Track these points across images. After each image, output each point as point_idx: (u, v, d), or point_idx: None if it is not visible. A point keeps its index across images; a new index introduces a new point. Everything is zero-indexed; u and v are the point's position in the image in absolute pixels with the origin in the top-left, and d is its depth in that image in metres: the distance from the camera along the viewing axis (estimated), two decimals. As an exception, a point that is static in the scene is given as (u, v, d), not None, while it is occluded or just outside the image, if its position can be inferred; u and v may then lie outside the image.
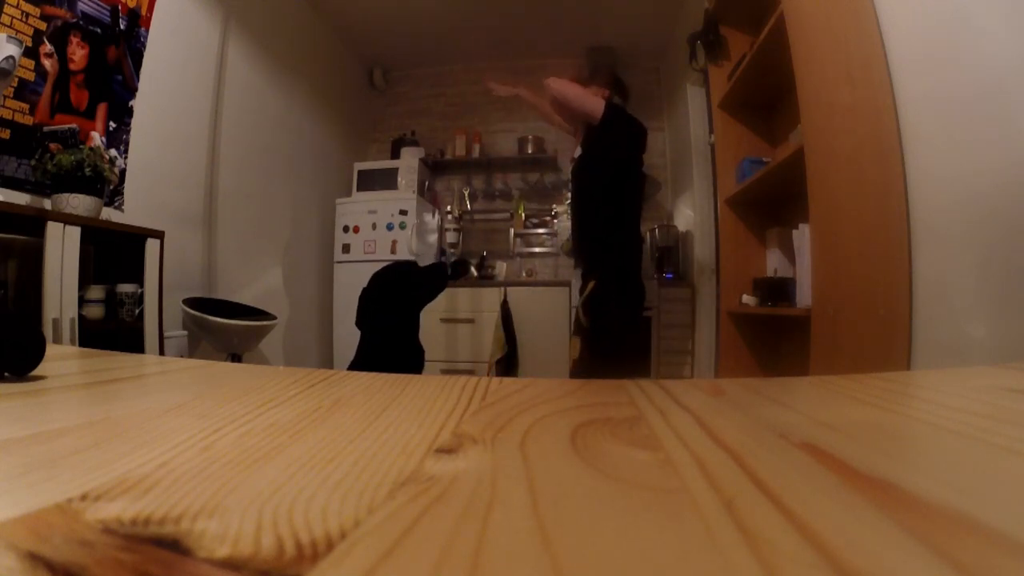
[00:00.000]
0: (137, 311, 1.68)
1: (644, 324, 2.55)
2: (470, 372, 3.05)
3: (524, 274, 3.68)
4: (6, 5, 1.55)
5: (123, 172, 1.93)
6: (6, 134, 1.57)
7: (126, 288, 1.66)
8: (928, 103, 1.20)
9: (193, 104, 2.30)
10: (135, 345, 1.67)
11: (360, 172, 3.43)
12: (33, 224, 1.39)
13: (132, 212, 1.93)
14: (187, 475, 0.17)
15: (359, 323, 1.68)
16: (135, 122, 1.99)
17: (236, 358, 2.22)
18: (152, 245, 1.74)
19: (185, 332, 2.09)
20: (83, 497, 0.15)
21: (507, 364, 3.01)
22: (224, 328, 2.09)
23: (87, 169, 1.55)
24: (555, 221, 3.70)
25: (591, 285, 1.70)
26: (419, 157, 3.46)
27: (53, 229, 1.41)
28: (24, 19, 1.61)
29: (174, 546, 0.12)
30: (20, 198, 1.57)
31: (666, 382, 0.34)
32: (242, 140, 2.58)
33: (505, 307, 3.07)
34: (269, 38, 2.79)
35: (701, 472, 0.17)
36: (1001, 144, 0.99)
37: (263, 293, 2.70)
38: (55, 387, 0.33)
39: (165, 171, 2.14)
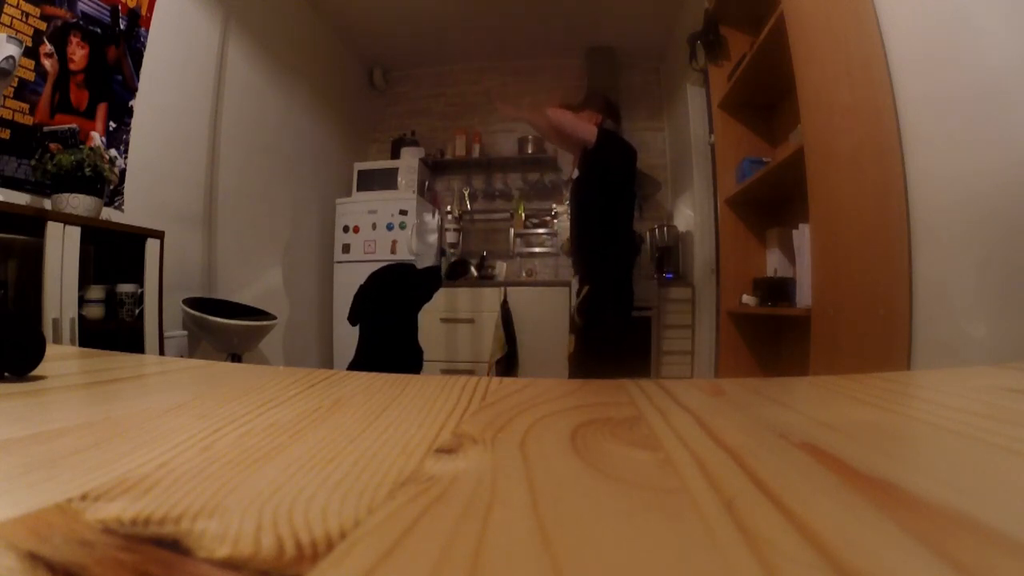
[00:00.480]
0: (137, 311, 1.68)
1: (637, 324, 2.72)
2: (470, 372, 3.05)
3: (524, 274, 3.68)
4: (6, 5, 1.55)
5: (123, 172, 1.93)
6: (6, 134, 1.57)
7: (126, 288, 1.66)
8: (928, 103, 1.20)
9: (193, 104, 2.30)
10: (135, 345, 1.67)
11: (360, 172, 3.43)
12: (33, 224, 1.39)
13: (132, 212, 1.93)
14: (187, 475, 0.17)
15: (352, 319, 1.68)
16: (135, 122, 1.99)
17: (236, 358, 2.22)
18: (152, 245, 1.74)
19: (185, 332, 2.09)
20: (83, 497, 0.15)
21: (507, 364, 3.01)
22: (224, 328, 2.09)
23: (87, 169, 1.55)
24: (555, 221, 3.70)
25: (586, 290, 1.90)
26: (419, 157, 3.46)
27: (53, 229, 1.41)
28: (24, 19, 1.61)
29: (174, 546, 0.12)
30: (20, 198, 1.57)
31: (666, 382, 0.34)
32: (242, 140, 2.58)
33: (505, 307, 3.07)
34: (269, 38, 2.79)
35: (701, 472, 0.17)
36: (1001, 144, 0.99)
37: (263, 293, 2.70)
38: (55, 387, 0.33)
39: (165, 171, 2.14)
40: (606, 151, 1.92)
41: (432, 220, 3.54)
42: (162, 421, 0.24)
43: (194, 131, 2.31)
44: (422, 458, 0.19)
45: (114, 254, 1.70)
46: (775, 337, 2.02)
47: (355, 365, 1.61)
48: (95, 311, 1.58)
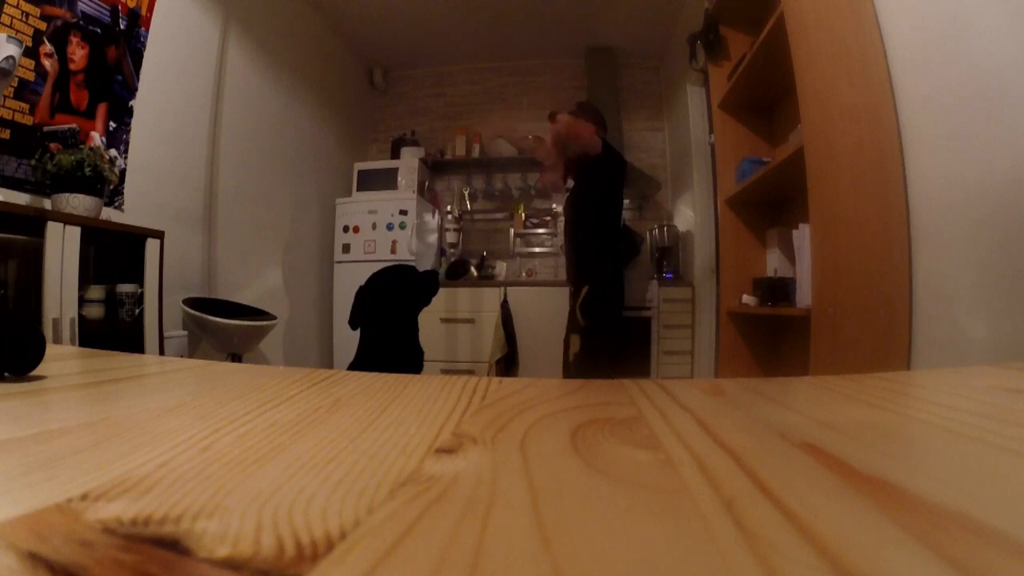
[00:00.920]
0: (137, 311, 1.68)
1: (629, 322, 2.81)
2: (470, 372, 3.05)
3: (524, 274, 3.68)
4: (6, 5, 1.55)
5: (123, 172, 1.93)
6: (6, 134, 1.57)
7: (126, 288, 1.66)
8: (928, 103, 1.20)
9: (193, 104, 2.30)
10: (135, 345, 1.67)
11: (360, 172, 3.43)
12: (33, 224, 1.39)
13: (132, 212, 1.93)
14: (187, 475, 0.17)
15: (353, 323, 1.68)
16: (135, 122, 1.99)
17: (236, 358, 2.22)
18: (152, 245, 1.74)
19: (185, 332, 2.09)
20: (83, 497, 0.15)
21: (507, 364, 3.01)
22: (224, 328, 2.09)
23: (87, 169, 1.55)
24: (555, 221, 3.70)
25: (585, 290, 1.99)
26: (419, 157, 3.46)
27: (53, 229, 1.41)
28: (24, 19, 1.61)
29: (174, 546, 0.12)
30: (20, 198, 1.57)
31: (666, 382, 0.34)
32: (242, 140, 2.58)
33: (505, 307, 3.07)
34: (269, 38, 2.79)
35: (701, 472, 0.17)
36: (1001, 144, 0.99)
37: (263, 293, 2.70)
38: (55, 387, 0.33)
39: (165, 171, 2.14)
40: (606, 160, 2.05)
41: (432, 220, 3.54)
42: (162, 421, 0.24)
43: (194, 131, 2.31)
44: (422, 458, 0.19)
45: (114, 254, 1.70)
46: (775, 337, 2.02)
47: (355, 366, 1.61)
48: (95, 311, 1.58)
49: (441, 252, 3.66)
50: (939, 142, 1.16)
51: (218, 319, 2.05)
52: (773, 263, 1.95)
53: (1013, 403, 0.29)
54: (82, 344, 1.47)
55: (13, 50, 1.37)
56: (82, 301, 1.52)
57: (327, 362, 3.25)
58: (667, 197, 3.54)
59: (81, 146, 1.64)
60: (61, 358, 0.48)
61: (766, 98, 2.02)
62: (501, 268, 3.66)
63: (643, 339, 2.94)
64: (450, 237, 3.66)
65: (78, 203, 1.54)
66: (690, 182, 2.91)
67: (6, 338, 0.33)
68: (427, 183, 3.58)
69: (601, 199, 2.06)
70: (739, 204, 2.09)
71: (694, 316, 2.90)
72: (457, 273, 3.36)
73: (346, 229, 3.24)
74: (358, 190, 3.38)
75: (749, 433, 0.23)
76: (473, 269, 3.49)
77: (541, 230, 3.74)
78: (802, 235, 1.53)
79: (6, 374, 0.34)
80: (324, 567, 0.11)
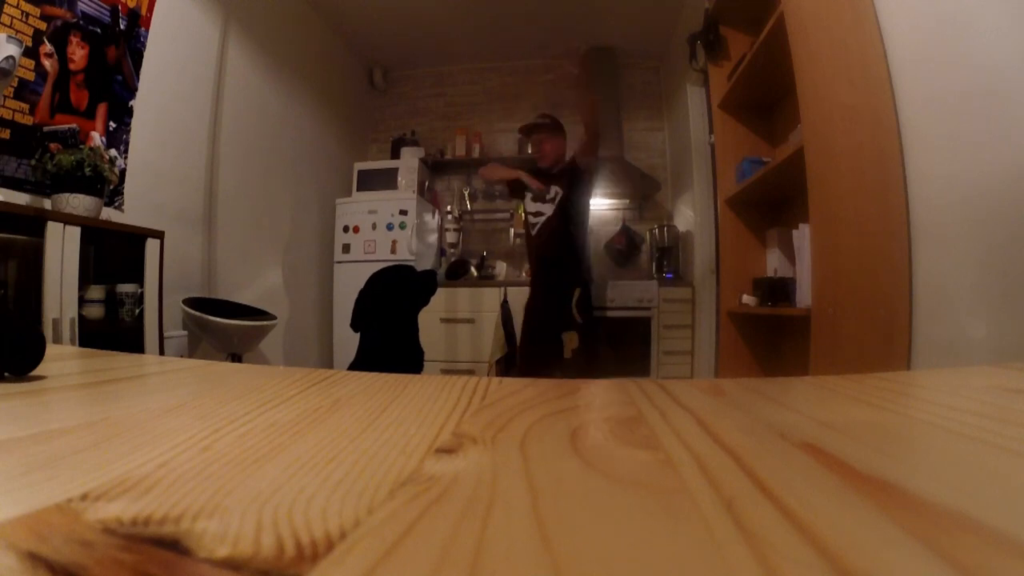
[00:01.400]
0: (137, 311, 1.68)
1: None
2: (470, 372, 3.05)
3: (524, 274, 3.68)
4: (6, 5, 1.55)
5: (123, 172, 1.93)
6: (6, 134, 1.57)
7: (126, 288, 1.66)
8: (928, 103, 1.20)
9: (193, 104, 2.30)
10: (135, 345, 1.67)
11: (360, 172, 3.43)
12: (33, 224, 1.39)
13: (132, 212, 1.93)
14: (187, 475, 0.17)
15: (355, 325, 1.68)
16: (135, 122, 1.99)
17: (236, 358, 2.22)
18: (152, 245, 1.74)
19: (185, 332, 2.09)
20: (83, 497, 0.15)
21: (507, 364, 3.01)
22: (224, 328, 2.09)
23: (87, 169, 1.55)
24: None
25: (578, 291, 2.15)
26: (419, 157, 3.45)
27: (53, 229, 1.41)
28: (24, 19, 1.61)
29: (174, 546, 0.12)
30: (20, 198, 1.57)
31: (666, 382, 0.34)
32: (242, 140, 2.58)
33: (505, 307, 3.06)
34: (269, 38, 2.79)
35: (701, 472, 0.17)
36: (1001, 144, 0.99)
37: (263, 293, 2.70)
38: (55, 387, 0.33)
39: (165, 171, 2.14)
40: (595, 170, 2.34)
41: (432, 220, 3.54)
42: (162, 421, 0.24)
43: (194, 131, 2.31)
44: (422, 458, 0.19)
45: (114, 254, 1.70)
46: (775, 337, 2.02)
47: (356, 367, 1.61)
48: (95, 311, 1.58)
49: (441, 252, 3.66)
50: (939, 142, 1.16)
51: (218, 319, 2.05)
52: (773, 263, 1.95)
53: (1013, 403, 0.29)
54: (82, 344, 1.47)
55: (13, 50, 1.37)
56: (82, 301, 1.52)
57: (327, 362, 3.25)
58: (667, 197, 3.54)
59: (81, 146, 1.64)
60: (61, 358, 0.48)
61: (766, 98, 2.02)
62: (501, 268, 3.66)
63: (643, 339, 2.94)
64: (450, 237, 3.65)
65: (78, 203, 1.54)
66: (690, 182, 2.91)
67: (6, 338, 0.33)
68: (427, 183, 3.58)
69: (587, 206, 2.27)
70: (739, 204, 2.09)
71: (694, 316, 2.90)
72: (457, 273, 3.36)
73: (346, 229, 3.24)
74: (358, 190, 3.38)
75: (749, 433, 0.23)
76: (473, 269, 3.49)
77: (541, 230, 3.74)
78: (802, 235, 1.53)
79: (6, 374, 0.34)
80: (324, 567, 0.11)
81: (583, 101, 2.29)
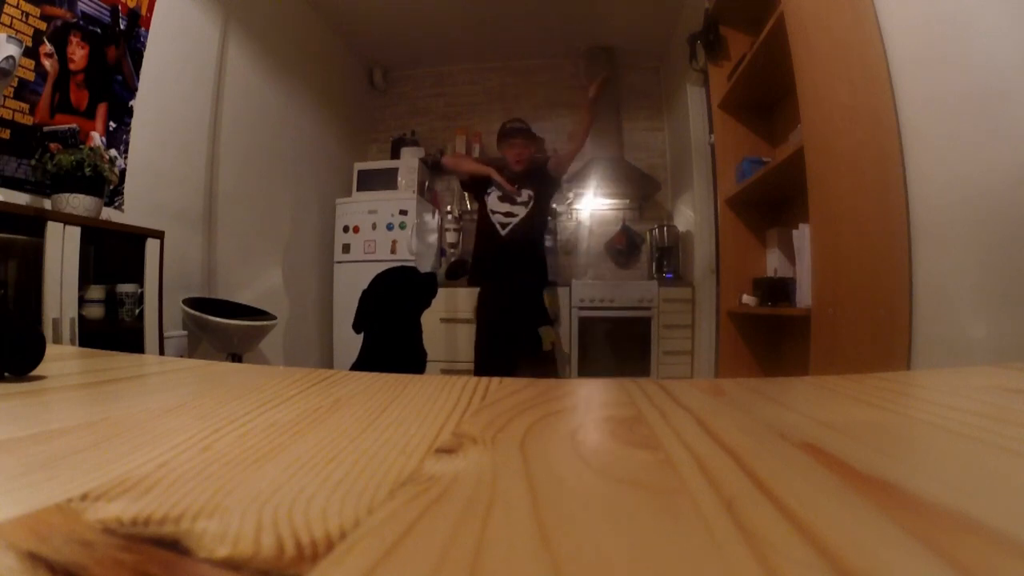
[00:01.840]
0: (137, 311, 1.68)
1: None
2: (470, 372, 3.04)
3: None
4: (6, 5, 1.55)
5: (123, 172, 1.93)
6: (6, 134, 1.57)
7: (126, 288, 1.66)
8: (928, 103, 1.20)
9: (193, 104, 2.30)
10: (135, 345, 1.67)
11: (360, 172, 3.42)
12: (33, 224, 1.39)
13: (132, 212, 1.93)
14: (187, 475, 0.17)
15: (357, 326, 1.68)
16: (135, 122, 1.99)
17: (236, 358, 2.22)
18: (152, 245, 1.74)
19: (185, 332, 2.08)
20: (83, 497, 0.15)
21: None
22: (224, 328, 2.09)
23: (87, 169, 1.55)
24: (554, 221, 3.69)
25: (545, 290, 2.43)
26: (419, 157, 3.45)
27: (53, 229, 1.41)
28: (24, 19, 1.61)
29: (174, 546, 0.12)
30: (20, 198, 1.57)
31: (666, 382, 0.34)
32: (242, 140, 2.58)
33: (505, 307, 3.06)
34: (269, 38, 2.79)
35: (701, 472, 0.17)
36: (1001, 144, 0.99)
37: (263, 293, 2.70)
38: (55, 387, 0.33)
39: (165, 171, 2.14)
40: (562, 178, 2.56)
41: (432, 220, 3.53)
42: (162, 421, 0.24)
43: (194, 131, 2.31)
44: (422, 458, 0.19)
45: (114, 254, 1.70)
46: (775, 337, 2.02)
47: (357, 368, 1.61)
48: (95, 311, 1.58)
49: (441, 252, 3.66)
50: (939, 142, 1.16)
51: (218, 319, 2.05)
52: (773, 263, 1.95)
53: (1013, 403, 0.29)
54: (82, 344, 1.47)
55: (13, 50, 1.37)
56: (82, 301, 1.52)
57: (327, 362, 3.25)
58: (667, 197, 3.54)
59: (81, 146, 1.64)
60: (61, 358, 0.48)
61: (766, 98, 2.02)
62: (501, 268, 3.65)
63: (643, 339, 2.94)
64: (450, 237, 3.65)
65: (78, 203, 1.54)
66: (690, 182, 2.91)
67: (6, 338, 0.33)
68: (427, 183, 3.57)
69: (551, 212, 2.58)
70: (739, 204, 2.09)
71: (694, 316, 2.90)
72: (457, 273, 3.36)
73: (346, 229, 3.24)
74: (358, 190, 3.38)
75: (749, 433, 0.23)
76: (473, 269, 3.48)
77: (541, 230, 3.74)
78: (802, 235, 1.53)
79: (6, 374, 0.34)
80: (324, 567, 0.11)
81: (583, 120, 2.43)
